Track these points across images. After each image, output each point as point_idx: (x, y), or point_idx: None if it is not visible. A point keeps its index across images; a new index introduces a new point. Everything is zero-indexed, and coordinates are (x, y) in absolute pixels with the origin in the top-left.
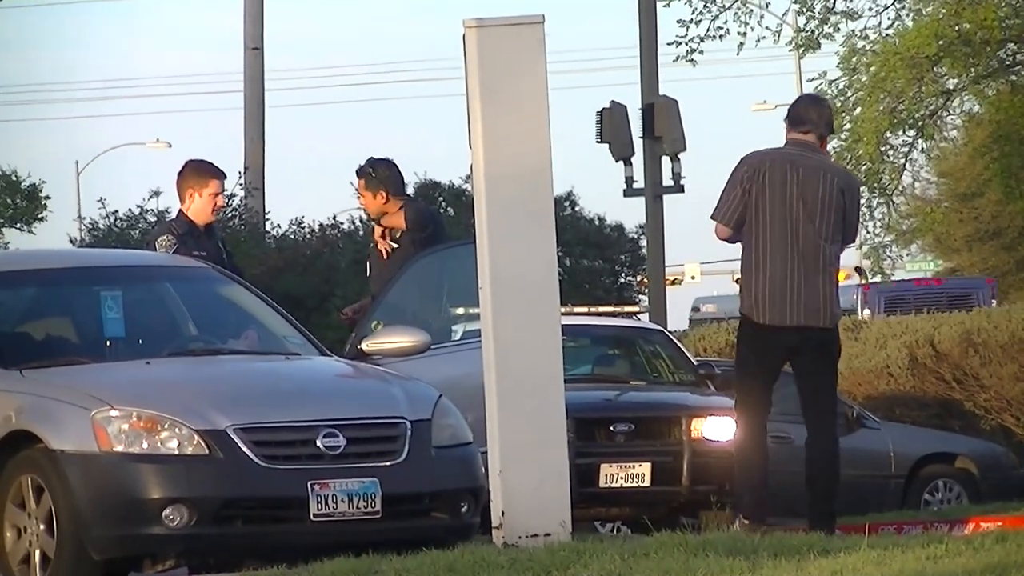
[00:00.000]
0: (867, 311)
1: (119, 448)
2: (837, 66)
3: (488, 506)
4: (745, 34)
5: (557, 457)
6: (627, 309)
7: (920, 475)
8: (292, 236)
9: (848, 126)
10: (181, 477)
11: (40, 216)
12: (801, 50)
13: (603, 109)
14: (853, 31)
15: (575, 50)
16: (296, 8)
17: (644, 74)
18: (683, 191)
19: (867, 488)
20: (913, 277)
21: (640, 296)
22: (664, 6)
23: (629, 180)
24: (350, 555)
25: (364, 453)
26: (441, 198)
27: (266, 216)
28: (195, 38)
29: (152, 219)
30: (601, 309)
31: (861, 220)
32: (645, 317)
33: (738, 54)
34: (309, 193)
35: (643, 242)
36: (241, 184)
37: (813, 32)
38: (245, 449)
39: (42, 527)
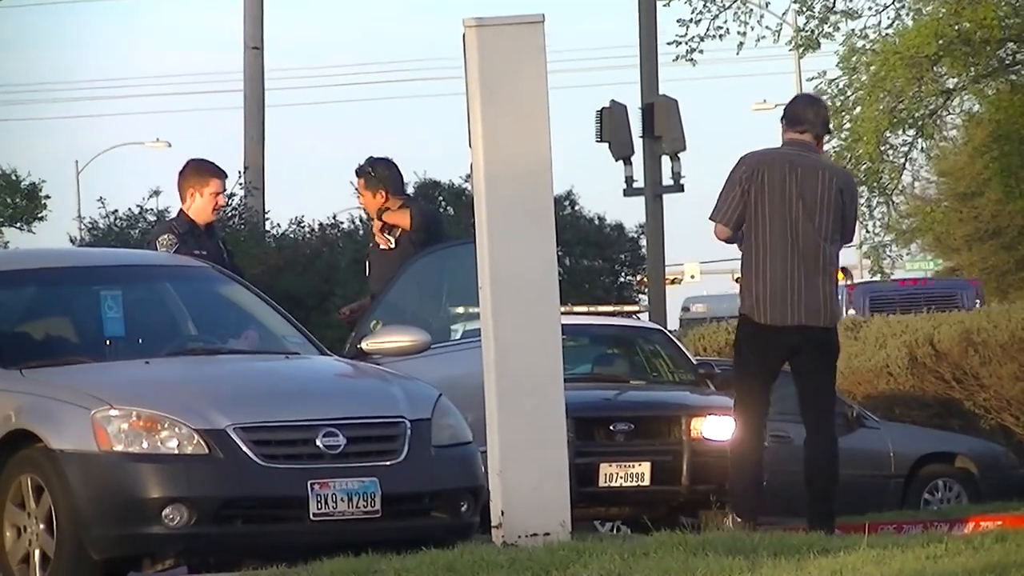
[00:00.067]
0: (851, 311)
1: (119, 447)
2: (837, 65)
3: (488, 505)
4: (745, 33)
5: (557, 457)
6: (627, 309)
7: (920, 475)
8: (292, 235)
9: (848, 125)
10: (181, 476)
11: (40, 215)
12: (801, 50)
13: (603, 108)
14: (853, 30)
15: (575, 49)
16: (296, 8)
17: (644, 73)
18: (683, 191)
19: (867, 488)
20: (898, 278)
21: (640, 296)
22: (664, 5)
23: (629, 179)
24: (350, 554)
25: (364, 452)
26: (441, 197)
27: (266, 216)
28: (195, 38)
29: (152, 218)
30: (601, 309)
31: (861, 220)
32: (645, 317)
33: (738, 54)
34: (309, 193)
35: (643, 241)
36: (241, 184)
37: (813, 32)
38: (245, 448)
39: (42, 526)
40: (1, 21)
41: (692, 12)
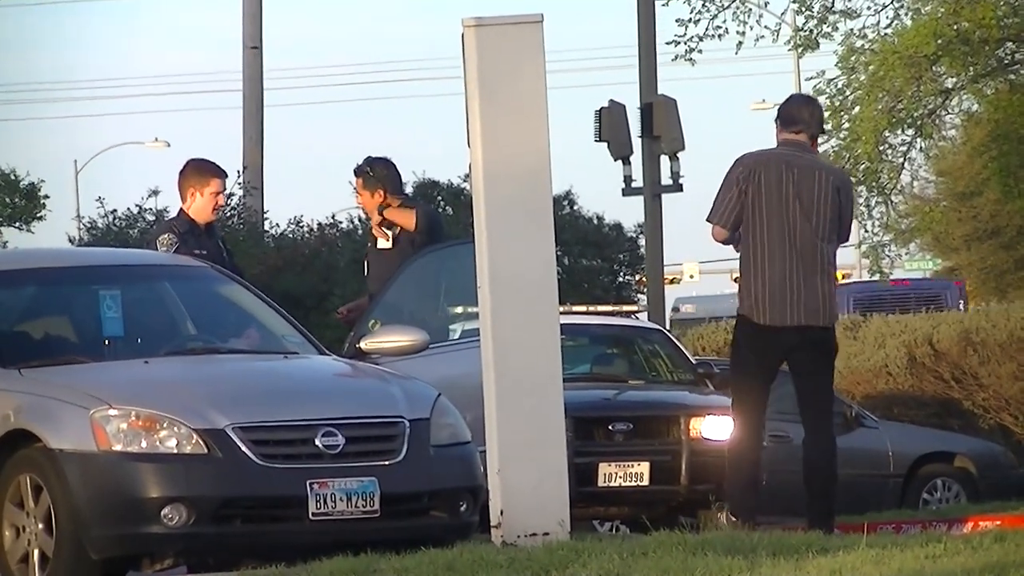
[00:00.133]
0: None
1: (118, 447)
2: (836, 65)
3: (487, 505)
4: (744, 33)
5: (556, 456)
6: (626, 308)
7: (919, 474)
8: (291, 235)
9: (846, 125)
10: (180, 476)
11: (39, 215)
12: (800, 49)
13: (602, 108)
14: (852, 30)
15: (574, 49)
16: (295, 7)
17: (643, 73)
18: (682, 190)
19: (866, 487)
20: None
21: (639, 295)
22: (663, 5)
23: (628, 179)
24: (349, 554)
25: (363, 452)
26: (440, 197)
27: (265, 215)
28: (194, 37)
29: (151, 218)
30: (600, 308)
31: (859, 219)
32: (644, 316)
33: (737, 53)
34: (308, 192)
35: (642, 241)
36: (240, 183)
37: (812, 31)
38: (244, 448)
39: (41, 526)
40: (1, 21)
41: (691, 12)
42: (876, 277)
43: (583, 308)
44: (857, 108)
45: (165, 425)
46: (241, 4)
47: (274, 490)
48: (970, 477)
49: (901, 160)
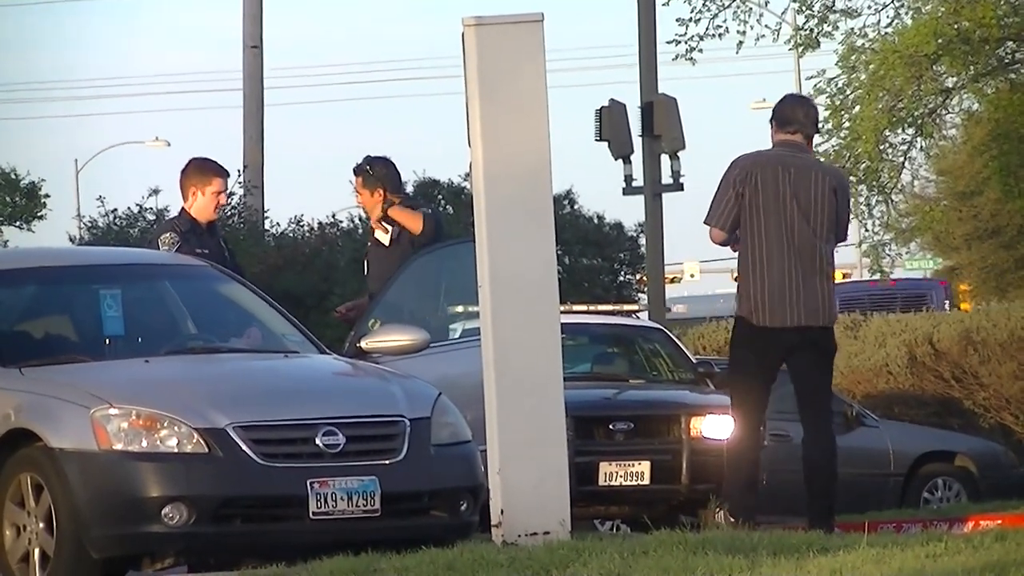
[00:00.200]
0: None
1: (118, 446)
2: (836, 64)
3: (487, 504)
4: (744, 32)
5: (556, 455)
6: (626, 307)
7: (919, 473)
8: (291, 234)
9: (847, 124)
10: (180, 475)
11: (39, 214)
12: (800, 48)
13: (602, 107)
14: (852, 29)
15: (574, 48)
16: (295, 7)
17: (643, 72)
18: (682, 189)
19: (866, 486)
20: (868, 279)
21: (639, 294)
22: (663, 4)
23: (628, 178)
24: (349, 553)
25: (363, 451)
26: (440, 196)
27: (265, 214)
28: (194, 37)
29: (151, 217)
30: (600, 307)
31: (860, 219)
32: (644, 316)
33: (737, 52)
34: (308, 192)
35: (642, 240)
36: (240, 182)
37: (812, 31)
38: (244, 447)
39: (41, 525)
40: (1, 21)
41: (691, 11)
42: (876, 276)
43: (584, 307)
44: (857, 107)
45: (166, 424)
46: (241, 4)
47: (275, 489)
48: (971, 476)
49: (901, 159)
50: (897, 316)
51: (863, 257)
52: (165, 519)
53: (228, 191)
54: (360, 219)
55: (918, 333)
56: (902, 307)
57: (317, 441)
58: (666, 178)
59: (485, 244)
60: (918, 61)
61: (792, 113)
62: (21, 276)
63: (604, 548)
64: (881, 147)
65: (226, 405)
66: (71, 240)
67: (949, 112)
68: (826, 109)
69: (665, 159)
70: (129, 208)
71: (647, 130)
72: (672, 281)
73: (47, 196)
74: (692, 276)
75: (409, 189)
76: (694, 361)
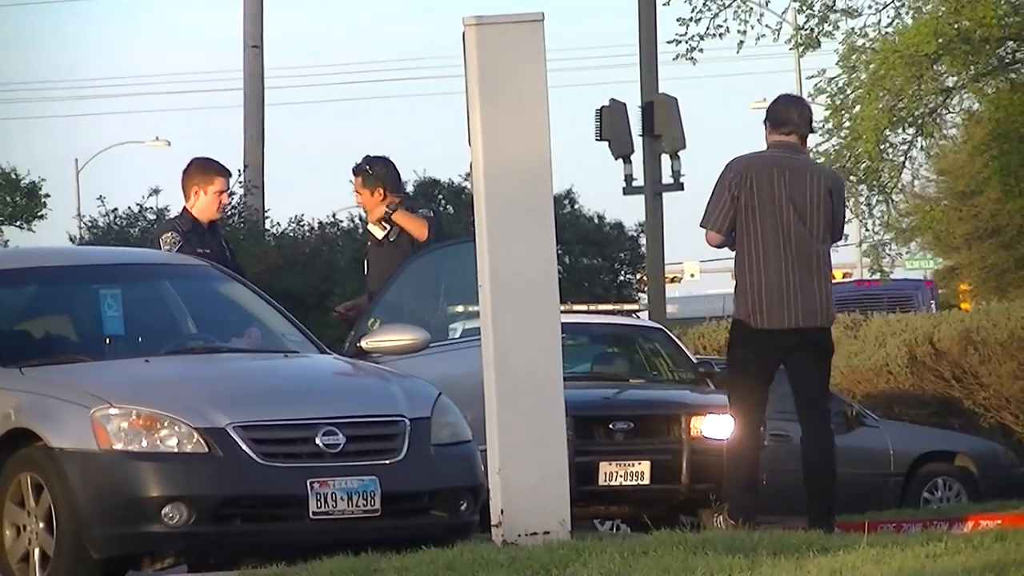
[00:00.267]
0: None
1: (118, 446)
2: (836, 64)
3: (487, 504)
4: (745, 32)
5: (556, 455)
6: (626, 307)
7: (919, 473)
8: (291, 234)
9: (847, 124)
10: (180, 475)
11: (40, 214)
12: (801, 48)
13: (602, 107)
14: (853, 29)
15: (575, 48)
16: (295, 6)
17: (644, 72)
18: (683, 189)
19: (866, 486)
20: (854, 279)
21: (639, 294)
22: (664, 4)
23: (628, 178)
24: (349, 553)
25: (363, 451)
26: (440, 196)
27: (265, 214)
28: (195, 37)
29: (151, 217)
30: (600, 307)
31: (860, 218)
32: (645, 315)
33: (738, 52)
34: (308, 191)
35: (642, 240)
36: (241, 182)
37: (813, 30)
38: (244, 447)
39: (41, 525)
40: (1, 21)
41: (692, 11)
42: (876, 276)
43: (584, 307)
44: (858, 107)
45: (166, 424)
46: (242, 3)
47: (275, 489)
48: (971, 476)
49: (902, 159)
50: (897, 316)
51: (863, 257)
52: (165, 519)
53: (229, 191)
54: (360, 219)
55: (918, 333)
56: (888, 308)
57: (317, 441)
58: (666, 178)
59: (485, 244)
60: (918, 61)
61: (786, 114)
62: (21, 276)
63: (604, 548)
64: (881, 147)
65: (226, 405)
66: (71, 240)
67: (949, 112)
68: (826, 109)
69: (665, 159)
70: (129, 208)
71: (647, 130)
72: (672, 281)
73: (47, 196)
74: (692, 276)
75: (409, 189)
76: (694, 361)
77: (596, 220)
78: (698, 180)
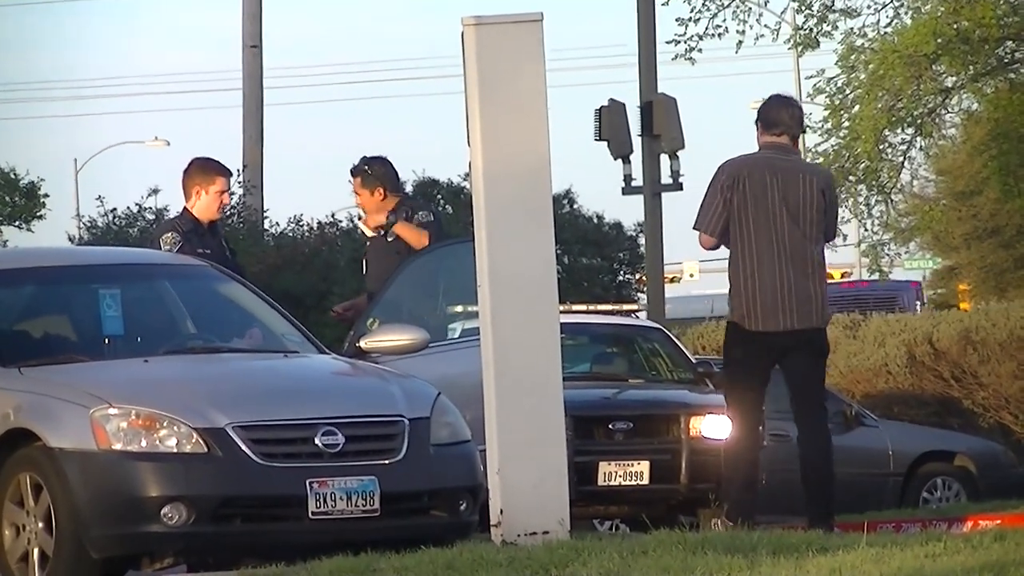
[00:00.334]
0: None
1: (118, 446)
2: (836, 64)
3: (487, 504)
4: (744, 32)
5: (556, 455)
6: (626, 307)
7: (919, 473)
8: (291, 234)
9: (846, 124)
10: (180, 475)
11: (39, 214)
12: (800, 48)
13: (602, 107)
14: (852, 29)
15: (574, 48)
16: (295, 6)
17: (643, 72)
18: (681, 189)
19: (866, 486)
20: (838, 280)
21: (639, 294)
22: (663, 4)
23: (628, 178)
24: (349, 553)
25: (363, 451)
26: (440, 196)
27: (264, 214)
28: (194, 37)
29: (150, 217)
30: (600, 307)
31: (860, 218)
32: (644, 315)
33: (737, 52)
34: (308, 191)
35: (642, 240)
36: (240, 182)
37: (811, 30)
38: (244, 447)
39: (41, 525)
40: (1, 21)
41: (691, 11)
42: (875, 276)
43: (583, 307)
44: (857, 107)
45: (165, 424)
46: (241, 3)
47: (274, 489)
48: (970, 476)
49: (901, 159)
50: (896, 316)
51: (862, 257)
52: (164, 519)
53: (230, 191)
54: (360, 218)
55: (917, 333)
56: (873, 308)
57: (316, 441)
58: (665, 178)
59: (485, 244)
60: (917, 61)
61: (777, 115)
62: (20, 276)
63: (603, 548)
64: (880, 147)
65: (225, 405)
66: (70, 240)
67: (948, 112)
68: (825, 109)
69: (664, 159)
70: (128, 208)
71: (646, 130)
72: (671, 281)
73: (46, 196)
74: (691, 276)
75: (408, 189)
76: (693, 361)
77: (595, 220)
78: (697, 180)
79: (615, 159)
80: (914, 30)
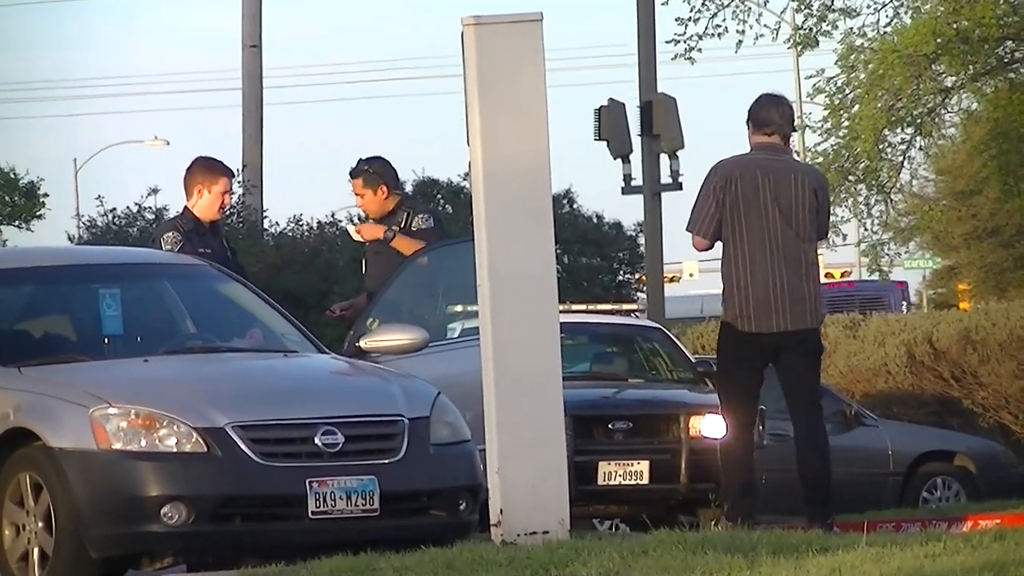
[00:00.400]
0: None
1: (117, 446)
2: (835, 64)
3: (487, 504)
4: (743, 32)
5: (555, 455)
6: (625, 307)
7: (918, 473)
8: (290, 234)
9: (846, 124)
10: (179, 475)
11: (38, 214)
12: (799, 48)
13: (601, 107)
14: (851, 29)
15: (573, 48)
16: (295, 6)
17: (642, 72)
18: (681, 189)
19: (865, 486)
20: (826, 281)
21: (638, 294)
22: (663, 4)
23: (627, 178)
24: (348, 553)
25: (362, 451)
26: (439, 195)
27: (264, 214)
28: (193, 36)
29: (150, 216)
30: (599, 307)
31: (859, 218)
32: (644, 315)
33: (736, 52)
34: (307, 191)
35: (641, 240)
36: (240, 182)
37: (811, 30)
38: (243, 447)
39: (40, 525)
40: (1, 20)
41: (691, 11)
42: (875, 276)
43: (583, 307)
44: (857, 106)
45: (165, 424)
46: (241, 3)
47: (274, 489)
48: (970, 476)
49: (900, 158)
50: (896, 316)
51: (862, 256)
52: (164, 518)
53: (231, 191)
54: (359, 219)
55: (917, 332)
56: (860, 308)
57: (316, 440)
58: (665, 177)
59: (484, 243)
60: (917, 60)
61: (768, 114)
62: (20, 275)
63: (603, 547)
64: (880, 146)
65: (225, 404)
66: (70, 239)
67: (948, 111)
68: (825, 108)
69: (664, 158)
70: (128, 207)
71: (646, 129)
72: (671, 280)
73: (46, 195)
74: (691, 275)
75: (408, 189)
76: (693, 360)
77: (595, 220)
78: (697, 180)
79: (615, 159)
80: (914, 30)
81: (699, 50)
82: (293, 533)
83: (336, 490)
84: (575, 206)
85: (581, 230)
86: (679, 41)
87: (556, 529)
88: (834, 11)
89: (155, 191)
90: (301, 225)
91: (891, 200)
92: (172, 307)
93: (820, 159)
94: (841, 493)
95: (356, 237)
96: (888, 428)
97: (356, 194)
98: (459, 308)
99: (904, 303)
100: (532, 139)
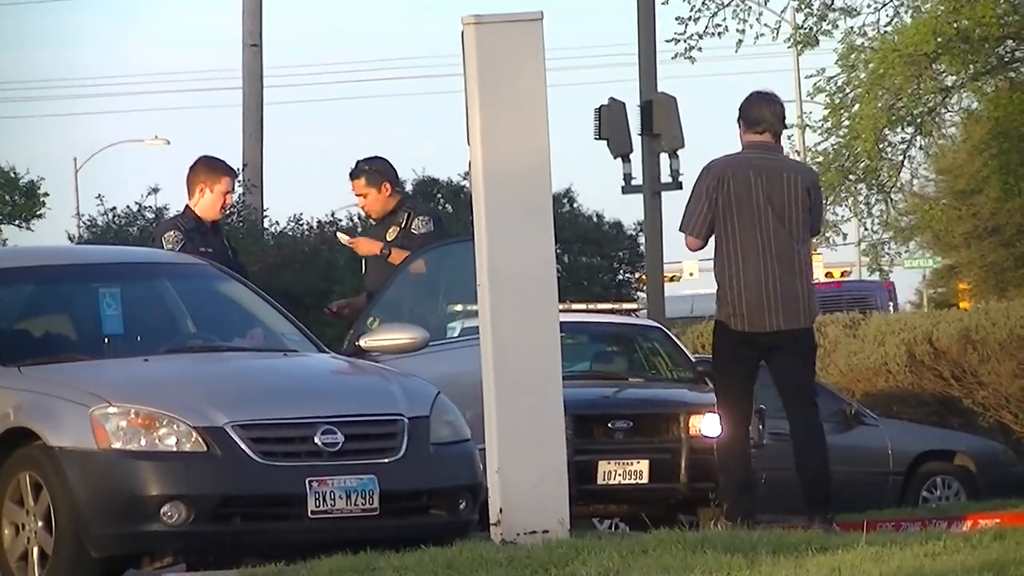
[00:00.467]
0: None
1: (117, 445)
2: (836, 63)
3: (486, 503)
4: (744, 31)
5: (555, 454)
6: (625, 306)
7: (918, 472)
8: (290, 233)
9: (846, 123)
10: (179, 474)
11: (38, 213)
12: (799, 47)
13: (601, 106)
14: (852, 28)
15: (574, 47)
16: (295, 5)
17: (642, 71)
18: (681, 188)
19: (865, 485)
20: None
21: (638, 293)
22: (663, 3)
23: (627, 177)
24: (348, 552)
25: (362, 450)
26: (439, 195)
27: (264, 213)
28: (194, 36)
29: (150, 216)
30: (599, 306)
31: (859, 217)
32: (644, 314)
33: (736, 51)
34: (308, 190)
35: (641, 239)
36: (240, 181)
37: (811, 29)
38: (243, 446)
39: (40, 524)
40: (1, 20)
41: (691, 10)
42: (875, 275)
43: (583, 306)
44: (857, 106)
45: (164, 423)
46: (241, 2)
47: (274, 488)
48: (970, 475)
49: (901, 158)
50: (896, 315)
51: (862, 256)
52: (164, 518)
53: (233, 192)
54: (360, 218)
55: (917, 332)
56: (846, 308)
57: (316, 440)
58: (665, 177)
59: (484, 243)
60: (917, 60)
61: (759, 113)
62: (20, 275)
63: (603, 547)
64: (880, 146)
65: (225, 404)
66: (70, 239)
67: (948, 111)
68: (825, 108)
69: (664, 158)
70: (128, 207)
71: (646, 129)
72: (671, 280)
73: (46, 195)
74: (691, 275)
75: (408, 188)
76: (693, 360)
77: (595, 219)
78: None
79: (615, 158)
80: (914, 29)
81: (699, 49)
82: (293, 532)
83: (336, 489)
84: (575, 205)
85: (581, 229)
86: (679, 40)
87: (556, 528)
88: (834, 10)
89: (155, 190)
90: (301, 224)
91: (891, 199)
92: (172, 306)
93: (820, 158)
94: (841, 492)
95: (343, 239)
96: (888, 427)
97: (358, 194)
98: (459, 307)
99: (891, 303)
100: (532, 138)
